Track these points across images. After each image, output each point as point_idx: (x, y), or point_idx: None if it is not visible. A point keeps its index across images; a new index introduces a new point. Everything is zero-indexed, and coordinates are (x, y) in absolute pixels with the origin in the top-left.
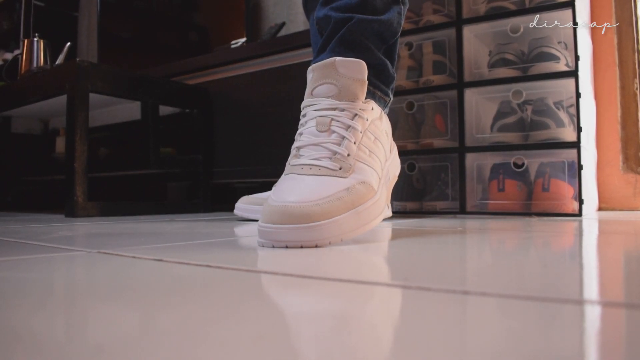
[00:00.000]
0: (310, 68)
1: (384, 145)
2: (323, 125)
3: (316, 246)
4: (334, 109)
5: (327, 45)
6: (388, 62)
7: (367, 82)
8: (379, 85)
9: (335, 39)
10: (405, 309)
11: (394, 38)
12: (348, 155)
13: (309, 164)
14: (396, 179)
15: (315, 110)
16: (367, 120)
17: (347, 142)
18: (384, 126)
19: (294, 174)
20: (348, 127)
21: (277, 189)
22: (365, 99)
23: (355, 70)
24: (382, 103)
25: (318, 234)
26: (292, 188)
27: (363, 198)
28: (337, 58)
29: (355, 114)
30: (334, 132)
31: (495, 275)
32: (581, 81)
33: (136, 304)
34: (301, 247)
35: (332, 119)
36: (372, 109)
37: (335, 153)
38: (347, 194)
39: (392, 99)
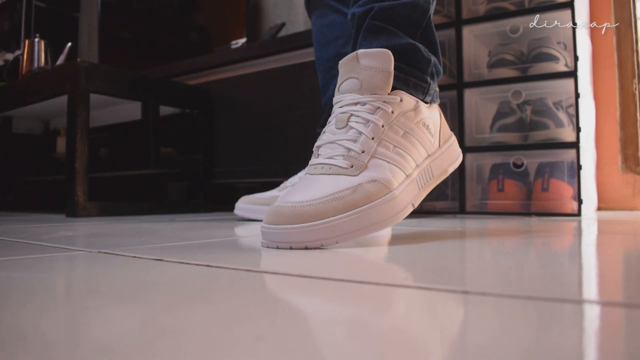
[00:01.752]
0: (339, 63)
1: (421, 139)
2: (341, 122)
3: (306, 248)
4: (356, 104)
5: (356, 41)
6: (421, 46)
7: (392, 72)
8: (411, 71)
9: (361, 33)
10: (405, 309)
11: (426, 17)
12: (363, 152)
13: (322, 163)
14: (447, 174)
15: (339, 107)
16: (392, 112)
17: (364, 138)
18: (423, 117)
19: (309, 174)
20: (367, 122)
21: (289, 189)
22: (396, 89)
23: (378, 60)
24: (420, 90)
25: (307, 235)
26: (300, 188)
27: (370, 198)
28: (360, 50)
29: (378, 107)
30: (351, 128)
31: (495, 275)
32: (580, 81)
33: (136, 303)
34: (290, 248)
35: (352, 115)
36: (401, 100)
37: (349, 150)
38: (351, 193)
39: (433, 84)
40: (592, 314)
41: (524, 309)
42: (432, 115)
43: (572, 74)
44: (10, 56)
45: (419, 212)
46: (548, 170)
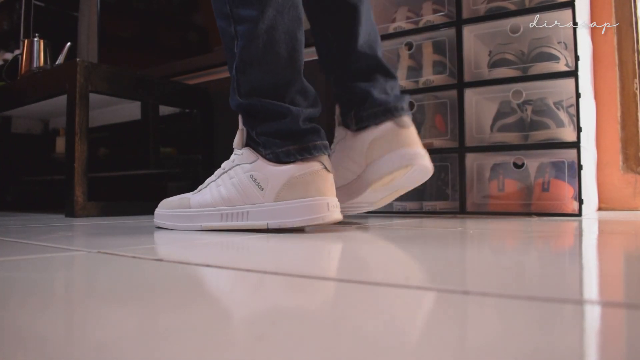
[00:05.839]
0: None
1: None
2: None
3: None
4: None
5: None
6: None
7: (242, 129)
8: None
9: None
10: (405, 309)
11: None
12: None
13: None
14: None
15: None
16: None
17: None
18: (253, 171)
19: None
20: None
21: None
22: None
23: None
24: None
25: None
26: None
27: None
28: None
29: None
30: None
31: (495, 275)
32: (581, 81)
33: (136, 304)
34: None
35: None
36: (242, 153)
37: None
38: None
39: (268, 149)
40: (592, 314)
41: (525, 309)
42: (272, 172)
43: (573, 73)
44: (9, 56)
45: (419, 212)
46: (548, 170)
